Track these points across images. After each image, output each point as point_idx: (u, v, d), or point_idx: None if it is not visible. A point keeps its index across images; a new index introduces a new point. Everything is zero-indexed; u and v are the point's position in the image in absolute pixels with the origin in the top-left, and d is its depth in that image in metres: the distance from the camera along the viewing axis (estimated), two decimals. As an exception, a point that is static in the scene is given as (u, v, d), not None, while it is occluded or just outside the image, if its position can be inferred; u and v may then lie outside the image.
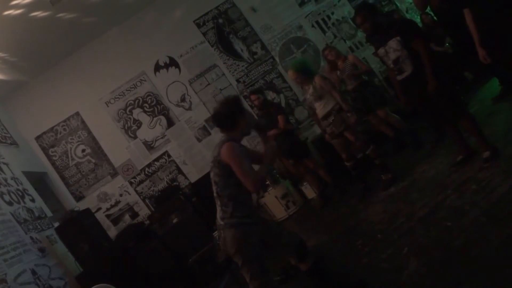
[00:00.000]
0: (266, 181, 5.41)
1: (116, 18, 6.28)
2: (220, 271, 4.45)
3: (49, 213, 5.20)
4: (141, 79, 6.53)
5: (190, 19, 6.62)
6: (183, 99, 6.55)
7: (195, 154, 6.43)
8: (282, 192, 5.38)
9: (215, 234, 2.50)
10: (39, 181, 5.84)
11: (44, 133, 6.34)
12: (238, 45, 6.66)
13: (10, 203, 4.49)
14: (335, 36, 6.77)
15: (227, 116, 2.40)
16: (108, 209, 6.27)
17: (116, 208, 6.28)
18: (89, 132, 6.39)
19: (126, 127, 6.46)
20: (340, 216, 4.16)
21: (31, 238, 4.45)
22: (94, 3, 5.40)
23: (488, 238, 2.16)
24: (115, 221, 6.24)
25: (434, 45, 4.93)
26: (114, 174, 6.34)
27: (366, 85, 4.97)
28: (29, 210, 4.78)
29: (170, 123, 6.50)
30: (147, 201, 6.33)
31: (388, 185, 3.93)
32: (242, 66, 6.64)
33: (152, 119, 6.49)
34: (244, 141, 6.11)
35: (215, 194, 2.35)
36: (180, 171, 6.42)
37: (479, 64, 3.27)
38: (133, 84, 6.50)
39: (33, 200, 5.03)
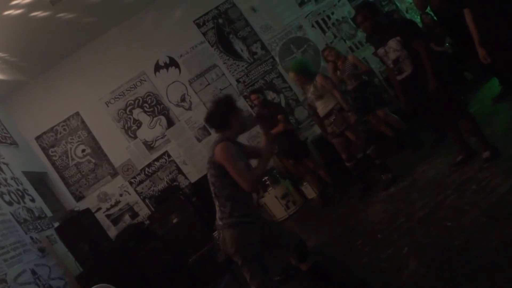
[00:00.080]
0: (265, 180, 5.41)
1: (116, 18, 6.28)
2: (220, 271, 4.46)
3: (49, 213, 5.20)
4: (141, 79, 6.53)
5: (190, 19, 6.62)
6: (183, 99, 6.56)
7: (195, 154, 6.43)
8: (282, 192, 5.38)
9: (215, 234, 2.49)
10: (39, 181, 5.84)
11: (44, 133, 6.34)
12: (238, 45, 6.66)
13: (10, 203, 4.49)
14: (335, 36, 6.77)
15: (220, 116, 2.39)
16: (108, 209, 6.27)
17: (116, 208, 6.28)
18: (89, 132, 6.39)
19: (126, 127, 6.47)
20: (340, 216, 4.16)
21: (31, 238, 4.45)
22: (94, 3, 5.40)
23: (488, 238, 2.16)
24: (115, 221, 6.24)
25: (434, 45, 4.93)
26: (114, 174, 6.34)
27: (366, 85, 4.97)
28: (29, 210, 4.78)
29: (170, 123, 6.50)
30: (147, 201, 6.33)
31: (388, 185, 3.93)
32: (242, 66, 6.64)
33: (152, 119, 6.49)
34: (244, 142, 6.13)
35: (213, 195, 2.35)
36: (180, 171, 6.42)
37: (479, 64, 3.28)
38: (133, 84, 6.51)
39: (33, 200, 5.03)
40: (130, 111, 6.49)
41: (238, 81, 6.61)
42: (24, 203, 4.78)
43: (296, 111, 6.61)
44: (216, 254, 3.60)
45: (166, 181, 6.38)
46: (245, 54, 6.66)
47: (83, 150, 6.36)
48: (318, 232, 4.11)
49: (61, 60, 6.32)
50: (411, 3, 6.81)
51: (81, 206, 5.85)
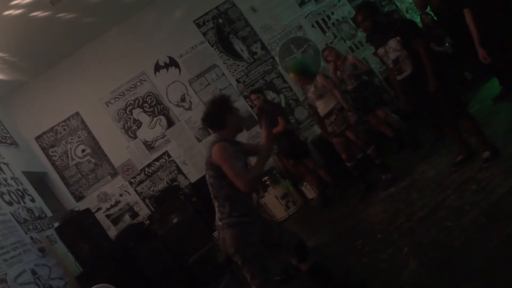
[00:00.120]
0: (265, 180, 5.41)
1: (116, 18, 6.29)
2: (220, 271, 4.46)
3: (49, 213, 5.20)
4: (141, 79, 6.53)
5: (190, 19, 6.62)
6: (183, 99, 6.56)
7: (195, 154, 6.43)
8: (282, 192, 5.38)
9: (215, 234, 2.49)
10: (39, 181, 5.84)
11: (44, 133, 6.34)
12: (238, 45, 6.67)
13: (10, 203, 4.49)
14: (335, 36, 6.78)
15: (216, 116, 2.37)
16: (108, 209, 6.27)
17: (116, 208, 6.28)
18: (89, 132, 6.39)
19: (126, 127, 6.47)
20: (340, 216, 4.16)
21: (31, 238, 4.45)
22: (94, 3, 5.40)
23: (488, 238, 2.16)
24: (115, 221, 6.24)
25: (434, 45, 4.93)
26: (114, 174, 6.34)
27: (366, 85, 4.98)
28: (29, 210, 4.78)
29: (170, 123, 6.50)
30: (147, 201, 6.33)
31: (388, 185, 3.93)
32: (242, 66, 6.65)
33: (152, 119, 6.50)
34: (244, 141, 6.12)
35: (212, 196, 2.34)
36: (180, 171, 6.42)
37: (479, 64, 3.28)
38: (133, 84, 6.51)
39: (33, 200, 5.03)
40: (130, 111, 6.49)
41: (238, 81, 6.62)
42: (24, 203, 4.78)
43: (296, 111, 6.62)
44: (216, 254, 3.61)
45: (166, 181, 6.38)
46: (245, 54, 6.66)
47: (83, 150, 6.37)
48: (318, 232, 4.11)
49: (61, 60, 6.32)
50: (411, 3, 6.81)
51: (81, 206, 5.85)
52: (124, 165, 6.37)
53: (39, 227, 4.76)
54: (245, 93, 6.51)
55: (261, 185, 5.49)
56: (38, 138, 6.32)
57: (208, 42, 6.64)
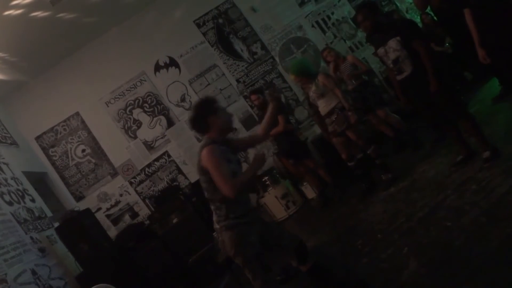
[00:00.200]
0: (265, 180, 5.41)
1: (116, 18, 6.29)
2: (220, 271, 4.46)
3: (49, 213, 5.20)
4: (141, 79, 6.53)
5: (190, 19, 6.62)
6: (183, 99, 6.56)
7: (195, 154, 6.33)
8: (282, 192, 5.38)
9: (215, 234, 2.48)
10: (39, 181, 5.84)
11: (44, 133, 6.34)
12: (238, 45, 6.67)
13: (10, 203, 4.49)
14: (335, 36, 6.78)
15: (199, 119, 2.33)
16: (108, 209, 6.27)
17: (116, 208, 6.28)
18: (89, 132, 6.39)
19: (126, 127, 6.47)
20: (340, 216, 4.16)
21: (31, 238, 4.45)
22: (94, 3, 5.40)
23: (488, 238, 2.16)
24: (115, 221, 6.24)
25: (434, 45, 4.93)
26: (114, 174, 6.35)
27: (366, 85, 4.98)
28: (29, 210, 4.78)
29: (170, 123, 6.50)
30: (147, 201, 6.33)
31: (388, 185, 3.93)
32: (242, 66, 6.65)
33: (152, 119, 6.50)
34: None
35: (208, 199, 2.33)
36: (180, 171, 6.42)
37: (479, 64, 3.28)
38: (133, 84, 6.51)
39: (33, 200, 5.03)
40: (130, 111, 6.49)
41: (238, 81, 6.62)
42: (24, 203, 4.78)
43: (296, 111, 6.62)
44: (216, 254, 3.61)
45: (166, 181, 6.38)
46: (245, 54, 6.66)
47: (83, 150, 6.37)
48: (318, 232, 4.11)
49: (61, 60, 6.32)
50: (411, 3, 6.81)
51: (81, 206, 5.85)
52: (124, 165, 6.37)
53: (39, 227, 4.76)
54: (245, 93, 6.51)
55: (261, 185, 5.50)
56: (38, 138, 6.32)
57: (208, 42, 6.64)
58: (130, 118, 6.48)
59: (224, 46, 6.65)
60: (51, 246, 4.74)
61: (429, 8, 4.84)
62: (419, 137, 4.65)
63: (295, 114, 6.59)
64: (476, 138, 3.08)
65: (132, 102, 6.49)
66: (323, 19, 6.81)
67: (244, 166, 2.37)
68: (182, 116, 6.50)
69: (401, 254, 2.61)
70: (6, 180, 4.72)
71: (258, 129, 2.66)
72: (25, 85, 6.24)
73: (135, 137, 6.44)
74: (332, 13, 6.83)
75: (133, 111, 6.48)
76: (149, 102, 6.51)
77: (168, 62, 6.59)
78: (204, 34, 6.65)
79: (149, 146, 6.45)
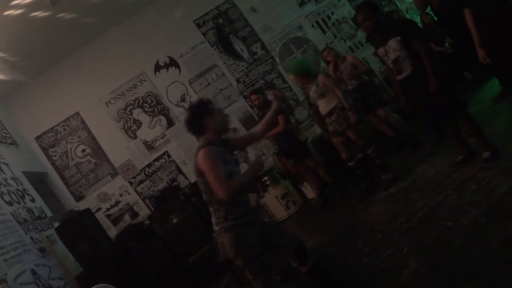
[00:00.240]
0: (265, 180, 5.40)
1: (116, 18, 6.28)
2: (220, 271, 4.45)
3: (49, 213, 5.20)
4: (141, 79, 6.53)
5: (190, 19, 6.62)
6: (183, 99, 6.56)
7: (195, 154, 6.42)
8: (282, 192, 5.38)
9: (215, 234, 2.47)
10: (39, 181, 5.84)
11: (44, 133, 6.34)
12: (238, 45, 6.66)
13: (10, 203, 4.49)
14: (335, 36, 6.78)
15: (194, 121, 2.33)
16: (108, 209, 6.27)
17: (116, 208, 6.28)
18: (89, 132, 6.39)
19: (126, 127, 6.47)
20: (340, 216, 4.16)
21: (31, 238, 4.45)
22: (94, 3, 5.40)
23: (488, 238, 2.16)
24: (115, 221, 6.24)
25: (434, 45, 4.93)
26: (114, 174, 6.34)
27: (367, 85, 4.98)
28: (29, 210, 4.78)
29: (170, 123, 6.50)
30: (147, 201, 6.33)
31: (388, 185, 3.93)
32: (242, 66, 6.65)
33: (152, 119, 6.50)
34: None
35: (206, 201, 2.31)
36: (180, 171, 6.42)
37: (479, 64, 3.28)
38: (133, 84, 6.51)
39: (33, 200, 5.03)
40: (130, 111, 6.49)
41: (238, 81, 6.61)
42: (24, 203, 4.78)
43: (296, 111, 6.61)
44: (216, 254, 3.60)
45: (166, 181, 6.38)
46: (245, 54, 6.66)
47: (83, 150, 6.37)
48: (318, 232, 4.11)
49: (61, 60, 6.32)
50: (411, 3, 6.81)
51: (81, 206, 5.85)
52: (124, 165, 6.37)
53: (39, 227, 4.76)
54: (245, 93, 6.51)
55: (261, 185, 5.50)
56: (38, 138, 6.32)
57: (208, 42, 6.64)
58: (130, 118, 6.48)
59: (224, 46, 6.65)
60: (51, 246, 4.74)
61: (429, 8, 4.85)
62: (419, 137, 4.65)
63: (295, 114, 6.58)
64: (476, 138, 3.08)
65: (132, 102, 6.49)
66: (323, 19, 6.81)
67: (244, 166, 2.36)
68: (182, 116, 6.49)
69: (401, 254, 2.61)
70: (6, 180, 4.72)
71: (257, 126, 2.66)
72: (25, 85, 6.24)
73: (135, 137, 6.44)
74: (332, 13, 6.83)
75: (133, 111, 6.48)
76: (149, 102, 6.51)
77: (168, 62, 6.59)
78: (204, 34, 6.65)
79: (149, 146, 6.45)
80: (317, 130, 6.13)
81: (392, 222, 3.14)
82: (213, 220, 2.30)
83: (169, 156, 6.43)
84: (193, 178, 6.28)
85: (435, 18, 5.28)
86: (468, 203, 2.64)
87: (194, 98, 6.52)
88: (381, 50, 3.28)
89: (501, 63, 3.56)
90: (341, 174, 4.88)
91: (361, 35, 6.51)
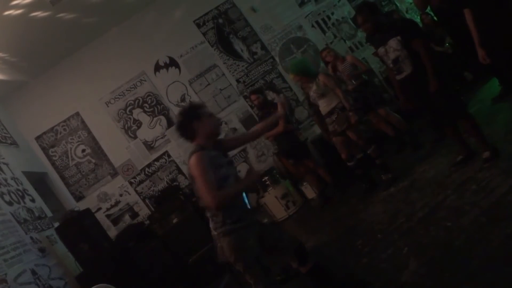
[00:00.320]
0: (265, 180, 5.40)
1: (116, 18, 6.29)
2: (220, 271, 4.45)
3: (49, 213, 5.19)
4: (141, 79, 6.53)
5: (190, 19, 6.62)
6: (183, 99, 6.56)
7: (195, 154, 6.42)
8: (282, 192, 5.38)
9: (214, 239, 2.46)
10: (39, 181, 5.84)
11: (44, 133, 6.34)
12: (238, 45, 6.67)
13: (10, 203, 4.49)
14: (335, 36, 6.78)
15: (184, 126, 2.31)
16: (108, 209, 6.27)
17: (116, 208, 6.28)
18: (89, 132, 6.39)
19: (126, 127, 6.47)
20: (340, 216, 4.16)
21: (31, 238, 4.45)
22: (94, 3, 5.40)
23: (488, 238, 2.16)
24: (115, 221, 6.24)
25: (434, 45, 4.92)
26: (114, 174, 6.34)
27: (367, 84, 4.98)
28: (29, 210, 4.78)
29: (170, 123, 6.49)
30: (147, 201, 6.33)
31: (388, 185, 3.93)
32: (242, 66, 6.65)
33: (152, 119, 6.50)
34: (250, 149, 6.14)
35: (203, 206, 2.30)
36: (180, 171, 6.42)
37: (479, 64, 3.28)
38: (133, 84, 6.51)
39: (33, 200, 5.03)
40: (130, 111, 6.49)
41: (238, 81, 6.62)
42: (24, 203, 4.78)
43: (296, 111, 6.61)
44: (216, 254, 3.60)
45: (166, 181, 6.38)
46: (245, 54, 6.66)
47: (83, 150, 6.37)
48: (318, 232, 4.11)
49: (61, 60, 6.32)
50: (411, 3, 6.81)
51: (81, 206, 5.85)
52: (124, 165, 6.37)
53: (39, 227, 4.75)
54: (245, 93, 6.51)
55: (261, 185, 5.50)
56: (38, 138, 6.32)
57: (208, 42, 6.64)
58: (130, 118, 6.48)
59: (224, 46, 6.65)
60: (51, 246, 4.74)
61: (429, 8, 4.85)
62: (419, 137, 4.65)
63: (295, 114, 6.58)
64: (476, 138, 3.08)
65: (132, 102, 6.49)
66: (323, 19, 6.81)
67: (244, 166, 2.36)
68: (182, 116, 6.48)
69: (401, 254, 2.61)
70: (6, 180, 4.72)
71: (256, 126, 2.66)
72: (25, 85, 6.24)
73: (135, 137, 6.44)
74: (332, 13, 6.83)
75: (133, 111, 6.49)
76: (149, 102, 6.51)
77: (168, 62, 6.59)
78: (204, 34, 6.65)
79: (149, 146, 6.45)
80: (317, 130, 6.13)
81: (392, 222, 3.14)
82: (211, 225, 2.27)
83: (169, 156, 6.43)
84: (193, 178, 6.27)
85: (435, 18, 5.29)
86: (468, 203, 2.64)
87: (194, 98, 6.52)
88: (381, 50, 3.28)
89: (501, 63, 3.56)
90: (341, 174, 4.87)
91: (361, 35, 6.51)
